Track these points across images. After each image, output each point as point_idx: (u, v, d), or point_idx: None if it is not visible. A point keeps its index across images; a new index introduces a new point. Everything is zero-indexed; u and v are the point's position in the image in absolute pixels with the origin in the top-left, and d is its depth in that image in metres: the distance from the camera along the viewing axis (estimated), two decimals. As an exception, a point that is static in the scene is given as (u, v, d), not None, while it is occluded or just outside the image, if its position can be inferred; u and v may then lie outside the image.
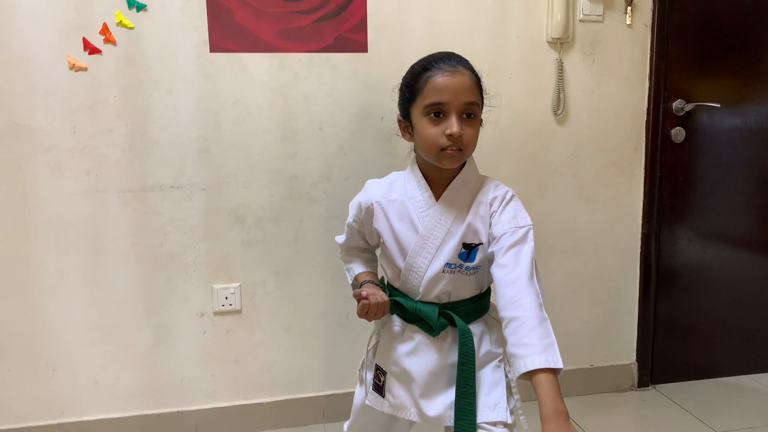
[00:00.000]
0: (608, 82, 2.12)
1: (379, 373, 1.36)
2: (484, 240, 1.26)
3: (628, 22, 2.09)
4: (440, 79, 1.21)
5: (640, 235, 2.25)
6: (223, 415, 2.04)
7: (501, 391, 1.28)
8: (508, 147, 2.10)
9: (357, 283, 1.39)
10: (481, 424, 1.24)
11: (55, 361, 1.92)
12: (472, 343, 1.25)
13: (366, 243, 1.43)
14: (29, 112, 1.79)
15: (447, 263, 1.25)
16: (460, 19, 1.99)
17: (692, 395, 2.30)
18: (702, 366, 2.40)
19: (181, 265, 1.95)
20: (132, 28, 1.80)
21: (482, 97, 1.28)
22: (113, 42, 1.80)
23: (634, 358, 2.32)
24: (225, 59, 1.87)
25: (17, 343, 1.89)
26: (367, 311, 1.26)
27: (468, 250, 1.25)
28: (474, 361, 1.24)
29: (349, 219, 1.41)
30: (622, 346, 2.31)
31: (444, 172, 1.27)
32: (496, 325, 1.32)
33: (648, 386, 2.35)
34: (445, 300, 1.28)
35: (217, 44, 1.86)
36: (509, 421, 1.26)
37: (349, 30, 1.92)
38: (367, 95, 1.97)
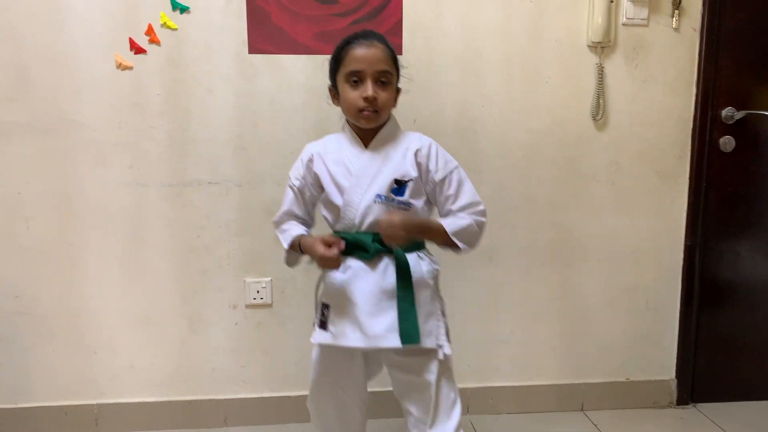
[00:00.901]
0: (652, 88, 2.07)
1: (324, 308, 1.53)
2: (413, 177, 1.48)
3: (674, 26, 2.03)
4: (358, 51, 1.44)
5: (683, 247, 2.19)
6: (251, 405, 2.13)
7: (435, 321, 1.51)
8: (543, 152, 2.09)
9: (297, 243, 1.52)
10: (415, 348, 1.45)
11: (96, 343, 2.05)
12: (405, 257, 1.46)
13: (305, 208, 1.58)
14: (78, 108, 1.92)
15: (377, 194, 1.46)
16: (497, 21, 2.00)
17: (735, 417, 2.21)
18: (747, 386, 2.31)
19: (215, 257, 2.04)
20: (175, 29, 1.91)
21: (397, 69, 1.51)
22: (157, 42, 1.91)
23: (674, 373, 2.26)
24: (263, 60, 1.95)
25: (62, 325, 2.04)
26: (329, 262, 1.43)
27: (398, 185, 1.47)
28: (409, 270, 1.45)
29: (290, 181, 1.56)
30: (661, 361, 2.25)
31: (369, 130, 1.51)
32: (429, 259, 1.54)
33: (687, 404, 2.28)
34: (377, 230, 1.44)
35: (256, 45, 1.94)
36: (446, 351, 1.50)
37: (385, 32, 1.94)
38: (401, 97, 1.99)
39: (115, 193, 1.98)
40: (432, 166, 1.50)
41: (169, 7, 1.88)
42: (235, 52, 1.94)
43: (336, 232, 1.52)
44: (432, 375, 1.48)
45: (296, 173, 1.56)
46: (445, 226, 1.45)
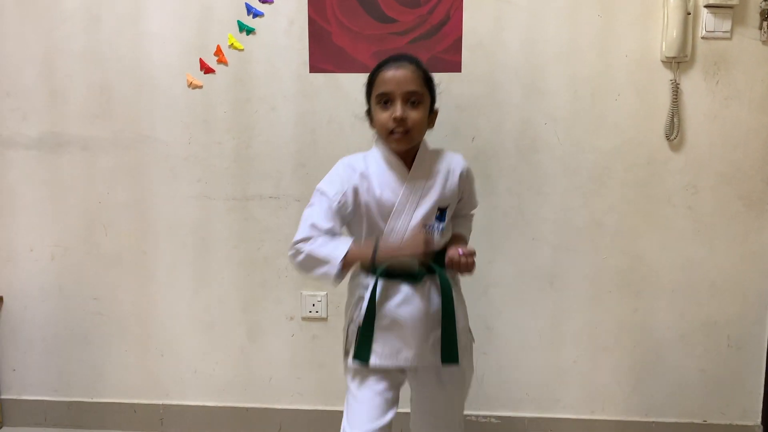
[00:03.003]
0: (735, 106, 1.96)
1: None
2: (452, 202, 1.56)
3: (762, 38, 1.91)
4: (388, 73, 1.48)
5: (771, 280, 2.05)
6: (306, 417, 2.21)
7: (470, 356, 1.64)
8: (612, 173, 2.03)
9: (357, 253, 1.45)
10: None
11: (164, 346, 2.22)
12: (451, 287, 1.50)
13: (339, 224, 1.50)
14: (152, 124, 2.10)
15: (423, 222, 1.50)
16: (561, 36, 1.98)
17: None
18: None
19: (274, 270, 2.15)
20: (242, 50, 2.04)
21: (430, 90, 1.53)
22: (225, 63, 2.05)
23: (759, 419, 2.09)
24: (323, 79, 2.04)
25: (134, 327, 2.22)
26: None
27: (440, 212, 1.52)
28: (452, 301, 1.49)
29: (328, 195, 1.48)
30: (744, 405, 2.10)
31: (406, 151, 1.52)
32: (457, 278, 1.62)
33: (775, 454, 2.12)
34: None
35: (316, 65, 2.03)
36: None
37: (443, 50, 1.99)
38: (459, 115, 2.02)
39: (184, 205, 2.14)
40: (468, 187, 1.63)
41: (237, 28, 2.02)
42: (297, 72, 2.04)
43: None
44: (459, 392, 1.62)
45: (336, 188, 1.49)
46: (466, 236, 1.67)
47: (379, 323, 1.52)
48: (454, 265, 1.48)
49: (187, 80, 2.06)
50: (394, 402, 1.57)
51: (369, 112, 1.58)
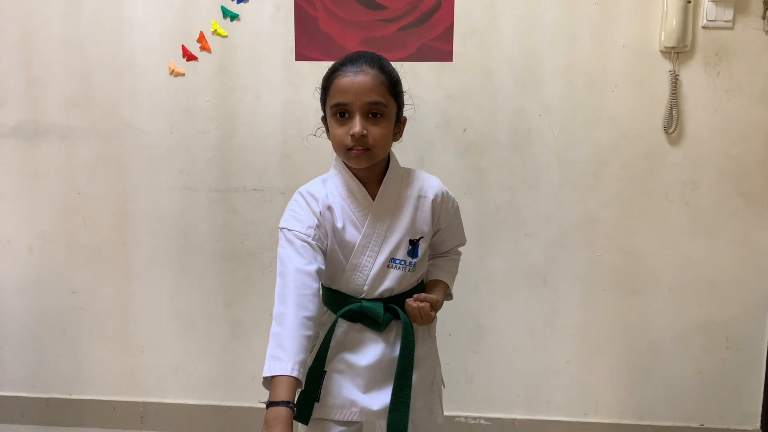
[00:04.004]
0: (737, 98, 1.90)
1: (320, 377, 1.34)
2: (426, 233, 1.37)
3: (765, 28, 1.85)
4: (343, 80, 1.27)
5: (772, 279, 2.00)
6: (290, 416, 2.16)
7: (435, 394, 1.47)
8: (608, 167, 1.97)
9: (276, 382, 1.16)
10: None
11: (144, 342, 2.17)
12: (413, 337, 1.33)
13: (321, 258, 1.29)
14: (134, 113, 2.05)
15: (392, 259, 1.34)
16: (558, 24, 1.92)
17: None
18: None
19: (258, 264, 2.10)
20: (225, 36, 1.98)
21: (396, 96, 1.33)
22: (208, 49, 1.99)
23: (758, 424, 2.04)
24: (309, 67, 1.98)
25: (114, 322, 2.17)
26: None
27: (412, 245, 1.35)
28: (413, 353, 1.33)
29: (299, 235, 1.26)
30: (743, 408, 2.04)
31: (370, 170, 1.34)
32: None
33: (775, 460, 2.06)
34: (387, 295, 1.35)
35: (303, 53, 1.98)
36: (438, 421, 1.47)
37: (434, 38, 1.93)
38: (450, 105, 1.97)
39: (166, 197, 2.09)
40: (444, 216, 1.42)
41: (220, 14, 1.97)
42: (283, 60, 1.99)
43: (333, 292, 1.37)
44: None
45: (306, 221, 1.29)
46: (447, 283, 1.46)
47: (334, 367, 1.35)
48: (408, 314, 1.34)
49: (169, 67, 2.00)
50: None
51: (324, 120, 1.38)
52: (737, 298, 2.00)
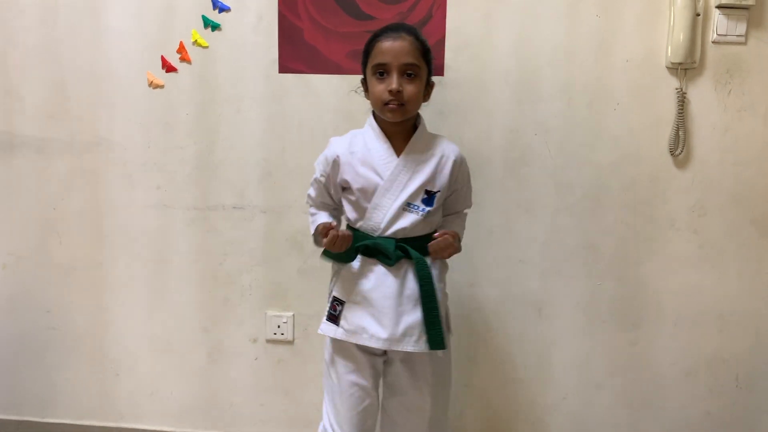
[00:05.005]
0: (750, 118, 1.78)
1: (336, 303, 1.56)
2: (441, 188, 1.54)
3: (781, 44, 1.73)
4: (384, 43, 1.48)
5: (788, 314, 1.85)
6: (270, 447, 2.07)
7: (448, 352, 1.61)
8: (609, 191, 1.85)
9: (319, 229, 1.55)
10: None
11: (119, 365, 2.08)
12: (428, 268, 1.50)
13: (332, 199, 1.61)
14: (110, 126, 1.97)
15: (407, 203, 1.51)
16: (557, 38, 1.81)
17: None
18: None
19: (237, 287, 2.00)
20: (206, 47, 1.90)
21: (428, 62, 1.53)
22: (188, 61, 1.91)
23: (771, 470, 1.90)
24: (293, 80, 1.89)
25: (89, 344, 2.09)
26: (335, 242, 1.47)
27: (428, 195, 1.52)
28: (432, 281, 1.49)
29: (316, 174, 1.60)
30: (755, 452, 1.91)
31: (398, 125, 1.53)
32: (439, 264, 1.58)
33: None
34: (400, 236, 1.51)
35: (286, 65, 1.89)
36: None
37: (424, 51, 1.83)
38: (441, 122, 1.86)
39: (141, 215, 2.00)
40: (461, 178, 1.60)
41: (201, 24, 1.88)
42: (265, 72, 1.90)
43: (355, 231, 1.55)
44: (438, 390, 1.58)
45: (322, 168, 1.59)
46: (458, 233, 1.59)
47: (351, 299, 1.54)
48: (432, 246, 1.51)
49: (148, 79, 1.92)
50: (369, 392, 1.57)
51: (364, 81, 1.58)
52: (749, 333, 1.87)
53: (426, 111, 1.87)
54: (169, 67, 1.92)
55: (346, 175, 1.54)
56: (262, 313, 2.00)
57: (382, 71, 1.49)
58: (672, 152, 1.81)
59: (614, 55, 1.81)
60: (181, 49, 1.90)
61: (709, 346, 1.89)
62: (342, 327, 1.54)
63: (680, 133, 1.79)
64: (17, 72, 1.98)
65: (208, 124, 1.94)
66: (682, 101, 1.78)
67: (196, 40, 1.90)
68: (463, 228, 1.67)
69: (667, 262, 1.87)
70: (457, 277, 1.86)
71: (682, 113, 1.78)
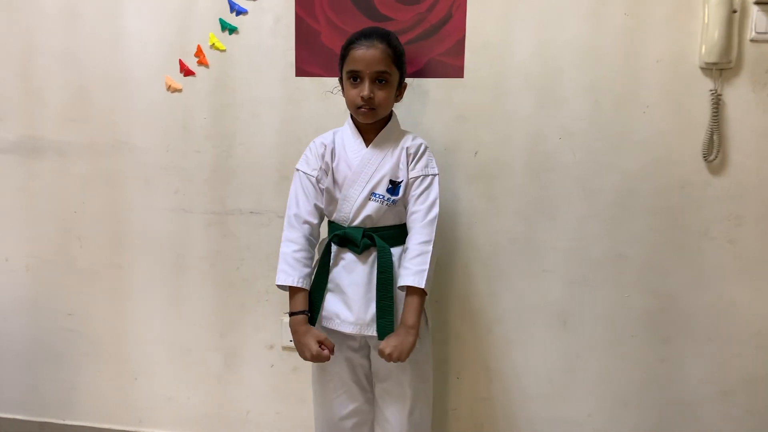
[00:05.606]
0: (791, 122, 1.66)
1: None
2: (403, 178, 1.61)
3: (826, 41, 1.61)
4: (357, 51, 1.55)
5: (834, 332, 1.72)
6: (286, 456, 2.04)
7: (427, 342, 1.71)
8: (638, 197, 1.76)
9: (292, 295, 1.61)
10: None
11: (138, 369, 2.09)
12: (390, 257, 1.59)
13: (319, 200, 1.63)
14: (130, 130, 1.98)
15: (373, 193, 1.60)
16: (581, 38, 1.73)
17: None
18: None
19: (254, 292, 1.99)
20: (224, 50, 1.89)
21: (399, 66, 1.60)
22: (206, 64, 1.91)
23: (814, 498, 1.77)
24: (309, 84, 1.87)
25: (109, 347, 2.10)
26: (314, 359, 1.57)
27: (393, 186, 1.60)
28: (392, 270, 1.58)
29: (305, 172, 1.63)
30: (796, 480, 1.79)
31: (373, 124, 1.63)
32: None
33: None
34: (369, 225, 1.61)
35: (303, 68, 1.86)
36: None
37: (444, 53, 1.78)
38: (460, 126, 1.81)
39: (160, 218, 2.00)
40: (412, 164, 1.63)
41: (218, 27, 1.87)
42: (282, 75, 1.87)
43: (330, 223, 1.67)
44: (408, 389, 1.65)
45: (311, 164, 1.64)
46: (423, 288, 1.53)
47: (328, 287, 1.64)
48: (392, 357, 1.53)
49: (166, 83, 1.92)
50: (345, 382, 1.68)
51: (341, 81, 1.66)
52: (790, 351, 1.76)
53: (444, 115, 1.84)
54: (187, 71, 1.91)
55: (329, 163, 1.63)
56: (278, 320, 1.97)
57: (355, 77, 1.57)
58: (706, 157, 1.70)
59: (643, 55, 1.71)
60: (199, 53, 1.90)
61: (745, 365, 1.78)
62: (321, 314, 1.64)
63: (715, 137, 1.69)
64: (39, 76, 2.01)
65: (226, 128, 1.93)
66: (717, 103, 1.68)
67: (213, 44, 1.89)
68: (430, 240, 1.57)
69: (701, 273, 1.77)
70: (477, 287, 1.79)
71: (716, 116, 1.68)
